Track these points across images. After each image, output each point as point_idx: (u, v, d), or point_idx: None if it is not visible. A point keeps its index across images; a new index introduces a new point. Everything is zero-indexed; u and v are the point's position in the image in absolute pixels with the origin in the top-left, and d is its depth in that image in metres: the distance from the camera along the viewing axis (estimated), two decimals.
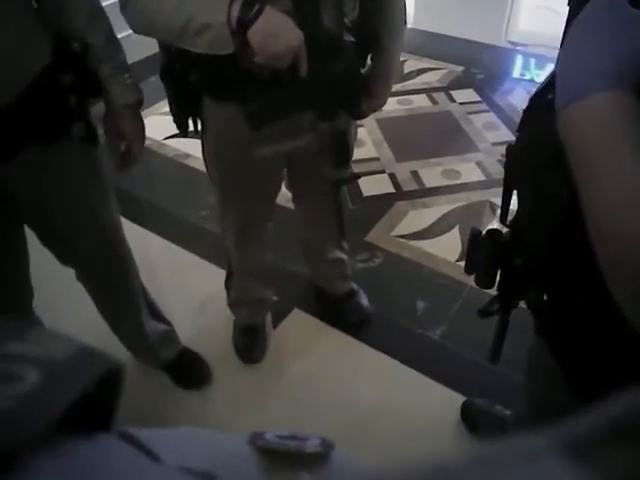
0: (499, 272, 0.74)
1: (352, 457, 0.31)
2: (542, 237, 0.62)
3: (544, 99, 0.58)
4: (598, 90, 0.44)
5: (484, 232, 0.75)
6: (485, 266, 0.74)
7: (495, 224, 1.99)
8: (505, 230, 0.75)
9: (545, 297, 0.67)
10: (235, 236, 1.35)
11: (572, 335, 0.64)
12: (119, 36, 1.02)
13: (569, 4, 0.55)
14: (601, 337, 0.58)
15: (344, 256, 1.63)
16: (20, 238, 1.08)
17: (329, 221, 1.43)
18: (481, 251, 0.74)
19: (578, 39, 0.48)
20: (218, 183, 1.24)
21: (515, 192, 0.74)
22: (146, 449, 0.22)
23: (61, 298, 1.49)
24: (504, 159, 0.73)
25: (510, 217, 0.77)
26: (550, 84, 0.56)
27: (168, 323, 1.50)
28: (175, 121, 1.13)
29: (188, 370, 1.53)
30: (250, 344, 1.60)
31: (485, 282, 0.75)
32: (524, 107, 0.66)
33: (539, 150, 0.59)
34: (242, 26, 0.81)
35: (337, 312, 1.68)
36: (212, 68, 0.93)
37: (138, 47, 1.54)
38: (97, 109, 1.04)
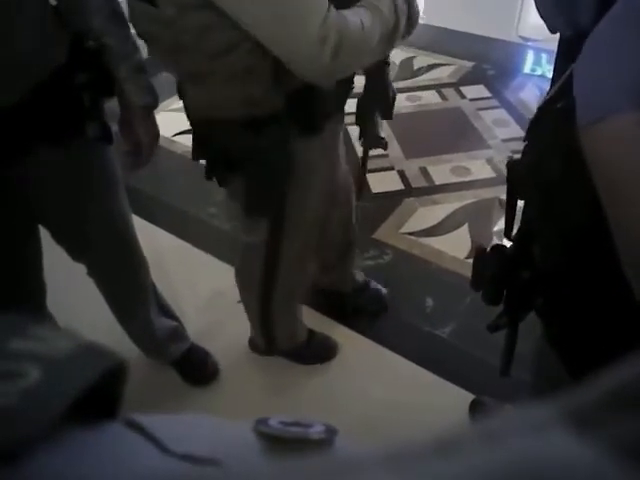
0: (506, 287, 0.74)
1: (354, 444, 0.31)
2: (559, 249, 0.61)
3: (553, 108, 0.57)
4: (624, 110, 0.43)
5: (489, 249, 0.75)
6: (492, 282, 0.74)
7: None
8: (510, 244, 0.75)
9: (556, 305, 0.66)
10: (299, 261, 1.28)
11: (584, 343, 0.63)
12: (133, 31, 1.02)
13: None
14: (616, 345, 0.58)
15: (355, 248, 1.63)
16: (34, 237, 1.09)
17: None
18: (487, 267, 0.74)
19: (598, 55, 0.47)
20: (306, 229, 1.19)
21: (518, 205, 0.73)
22: (150, 436, 0.22)
23: (71, 295, 1.50)
24: (514, 156, 0.73)
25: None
26: (559, 93, 0.56)
27: (177, 320, 1.51)
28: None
29: (196, 366, 1.54)
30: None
31: (493, 298, 0.75)
32: (531, 118, 0.65)
33: (552, 164, 0.58)
34: None
35: (354, 303, 1.68)
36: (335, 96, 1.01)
37: None
38: (110, 108, 1.04)
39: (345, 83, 1.05)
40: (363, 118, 1.22)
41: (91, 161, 1.04)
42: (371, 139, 1.23)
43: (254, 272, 1.27)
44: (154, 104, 1.06)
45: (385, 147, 1.26)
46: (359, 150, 1.43)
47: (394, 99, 1.22)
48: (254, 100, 0.93)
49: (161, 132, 2.47)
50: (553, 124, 0.56)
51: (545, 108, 0.61)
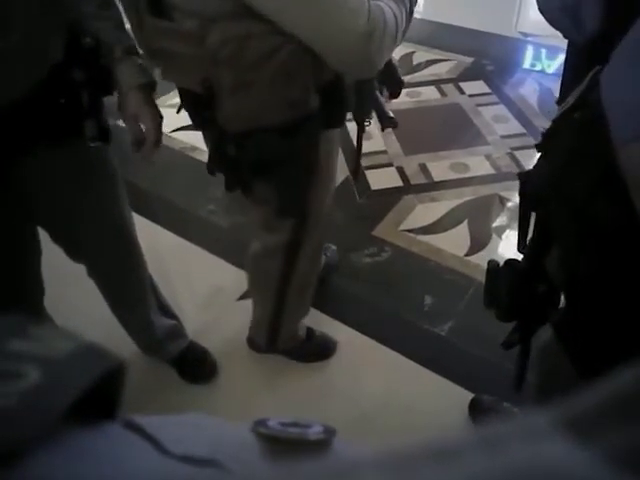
0: (521, 302, 0.73)
1: (352, 445, 0.31)
2: (585, 263, 0.60)
3: (571, 118, 0.56)
4: None
5: (501, 264, 0.74)
6: (508, 297, 0.73)
7: (504, 218, 1.97)
8: (521, 257, 0.74)
9: (571, 314, 0.66)
10: (315, 256, 1.29)
11: (601, 352, 0.62)
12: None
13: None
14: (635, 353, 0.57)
15: None
16: (33, 237, 1.09)
17: None
18: (503, 282, 0.73)
19: (634, 66, 0.45)
20: (323, 223, 1.20)
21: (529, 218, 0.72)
22: (149, 437, 0.22)
23: (70, 292, 1.49)
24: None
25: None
26: (578, 103, 0.54)
27: (176, 317, 1.50)
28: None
29: (195, 364, 1.54)
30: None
31: (507, 314, 0.74)
32: (547, 128, 0.63)
33: (576, 174, 0.57)
34: None
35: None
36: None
37: None
38: (109, 106, 1.02)
39: None
40: (363, 99, 1.19)
41: (90, 160, 1.03)
42: (382, 120, 1.23)
43: (273, 270, 1.26)
44: (151, 84, 1.02)
45: (396, 125, 1.25)
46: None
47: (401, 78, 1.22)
48: (294, 103, 0.92)
49: None
50: (573, 135, 0.55)
51: (562, 118, 0.59)
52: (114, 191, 1.12)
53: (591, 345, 0.64)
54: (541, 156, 0.66)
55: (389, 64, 1.16)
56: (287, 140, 0.95)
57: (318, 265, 1.36)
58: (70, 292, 1.48)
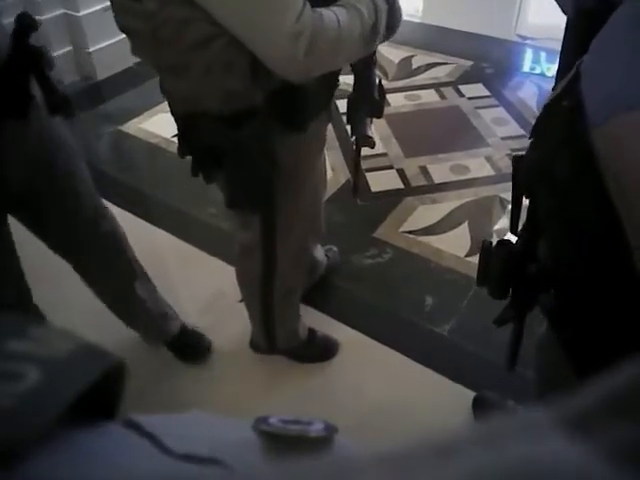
0: (512, 282, 0.74)
1: (353, 442, 0.31)
2: (568, 250, 0.61)
3: (559, 106, 0.57)
4: (636, 107, 0.42)
5: (495, 244, 0.75)
6: (499, 276, 0.74)
7: (505, 220, 1.98)
8: (515, 239, 0.75)
9: (560, 301, 0.66)
10: (296, 257, 1.29)
11: (593, 343, 0.63)
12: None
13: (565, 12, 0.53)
14: (625, 344, 0.57)
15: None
16: (6, 234, 1.10)
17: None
18: (494, 262, 0.74)
19: (608, 55, 0.46)
20: (299, 226, 1.20)
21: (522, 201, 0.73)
22: (150, 436, 0.22)
23: (60, 286, 1.50)
24: (514, 154, 0.73)
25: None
26: (565, 91, 0.55)
27: (168, 306, 1.53)
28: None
29: (189, 345, 1.57)
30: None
31: (499, 293, 0.75)
32: (537, 115, 0.65)
33: (562, 165, 0.58)
34: None
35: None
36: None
37: None
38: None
39: (329, 82, 1.05)
40: (351, 117, 1.22)
41: (49, 139, 1.05)
42: (358, 138, 1.23)
43: (253, 270, 1.27)
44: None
45: (372, 146, 1.26)
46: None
47: (383, 97, 1.21)
48: (232, 94, 0.94)
49: (160, 133, 2.47)
50: (560, 123, 0.56)
51: (551, 105, 0.61)
52: (77, 170, 1.14)
53: (582, 335, 0.65)
54: (532, 143, 0.67)
55: (370, 81, 1.16)
56: (231, 130, 0.97)
57: (300, 268, 1.36)
58: (64, 284, 1.48)
